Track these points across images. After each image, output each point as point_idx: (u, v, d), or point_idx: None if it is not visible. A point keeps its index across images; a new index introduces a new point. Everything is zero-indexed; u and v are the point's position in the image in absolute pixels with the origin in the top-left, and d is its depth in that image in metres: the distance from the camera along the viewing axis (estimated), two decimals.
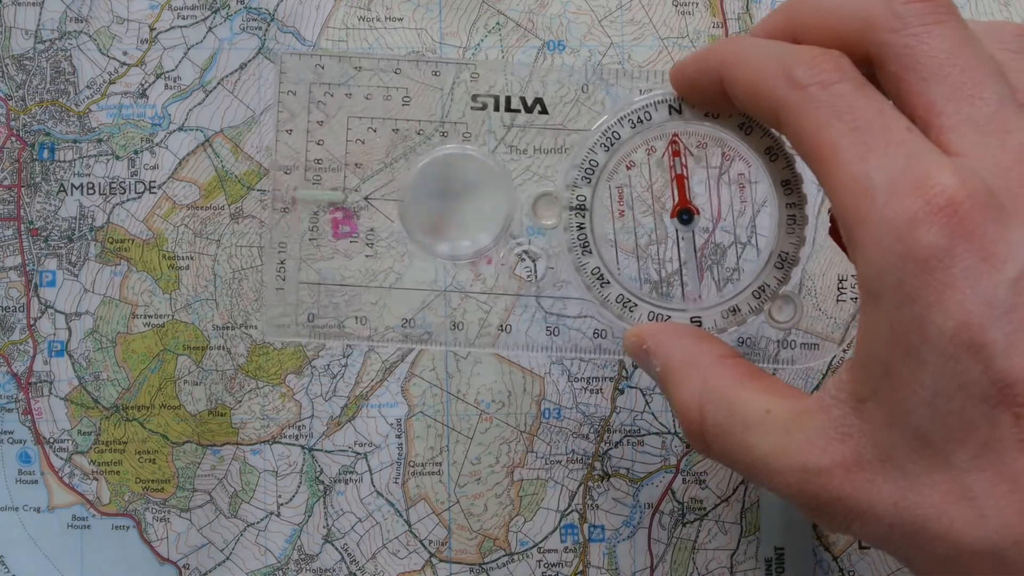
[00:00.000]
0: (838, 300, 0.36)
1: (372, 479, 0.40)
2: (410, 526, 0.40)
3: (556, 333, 0.36)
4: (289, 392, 0.40)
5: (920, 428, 0.24)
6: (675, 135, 0.35)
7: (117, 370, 0.40)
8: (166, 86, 0.41)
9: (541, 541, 0.39)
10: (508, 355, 0.40)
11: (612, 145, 0.34)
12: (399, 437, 0.40)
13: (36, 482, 0.40)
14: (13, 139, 0.41)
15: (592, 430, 0.40)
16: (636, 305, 0.34)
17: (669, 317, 0.34)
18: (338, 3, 0.41)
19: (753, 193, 0.35)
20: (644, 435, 0.40)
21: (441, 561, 0.40)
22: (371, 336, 0.35)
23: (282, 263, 0.35)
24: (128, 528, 0.40)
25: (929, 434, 0.24)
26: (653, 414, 0.40)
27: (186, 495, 0.40)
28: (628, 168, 0.35)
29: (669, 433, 0.40)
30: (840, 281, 0.36)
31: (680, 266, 0.35)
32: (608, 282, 0.34)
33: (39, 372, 0.40)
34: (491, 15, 0.40)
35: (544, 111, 0.35)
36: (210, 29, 0.41)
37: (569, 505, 0.40)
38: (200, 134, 0.41)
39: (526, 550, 0.39)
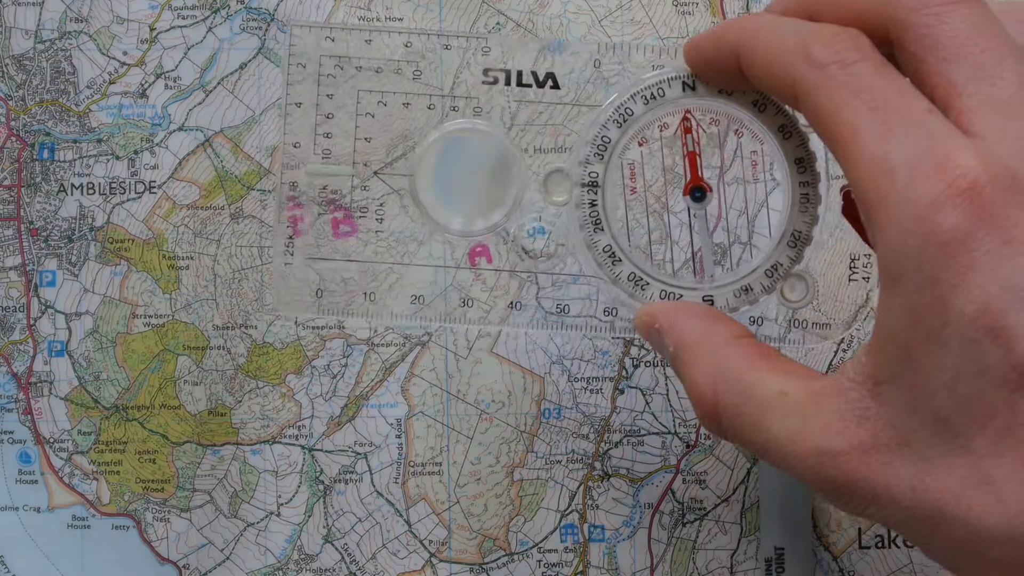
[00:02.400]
0: (850, 280, 0.35)
1: (372, 479, 0.40)
2: (410, 526, 0.40)
3: (566, 312, 0.35)
4: (289, 392, 0.40)
5: (939, 412, 0.24)
6: (688, 112, 0.34)
7: (117, 370, 0.40)
8: (166, 86, 0.41)
9: (541, 541, 0.39)
10: (507, 354, 0.40)
11: (625, 122, 0.34)
12: (399, 437, 0.40)
13: (36, 482, 0.40)
14: (13, 139, 0.41)
15: (592, 430, 0.40)
16: (648, 284, 0.34)
17: (681, 296, 0.33)
18: (338, 3, 0.41)
19: (766, 170, 0.35)
20: (644, 435, 0.40)
21: (441, 561, 0.40)
22: (380, 314, 0.35)
23: (290, 239, 0.35)
24: (128, 528, 0.40)
25: (948, 418, 0.24)
26: (653, 414, 0.40)
27: (186, 495, 0.40)
28: (640, 145, 0.34)
29: (669, 433, 0.40)
30: (852, 260, 0.35)
31: (692, 243, 0.35)
32: (620, 260, 0.34)
33: (39, 372, 0.40)
34: (491, 15, 0.40)
35: (556, 86, 0.35)
36: (210, 29, 0.41)
37: (569, 505, 0.40)
38: (200, 134, 0.41)
39: (526, 550, 0.39)
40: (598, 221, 0.34)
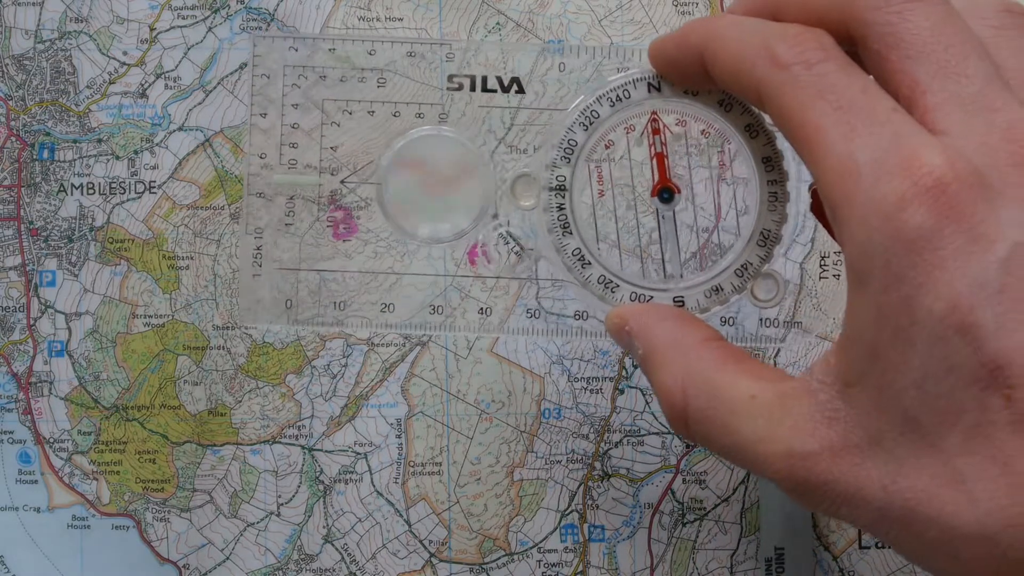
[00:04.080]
0: (820, 277, 0.35)
1: (372, 479, 0.40)
2: (410, 526, 0.40)
3: (537, 316, 0.35)
4: (289, 392, 0.40)
5: (909, 411, 0.24)
6: (654, 113, 0.34)
7: (117, 370, 0.40)
8: (166, 86, 0.41)
9: (541, 541, 0.39)
10: (507, 354, 0.40)
11: (591, 124, 0.34)
12: (399, 437, 0.40)
13: (36, 482, 0.40)
14: (13, 139, 0.41)
15: (592, 430, 0.40)
16: (618, 286, 0.34)
17: (651, 298, 0.33)
18: (338, 3, 0.41)
19: (733, 170, 0.35)
20: (644, 435, 0.40)
21: (441, 561, 0.40)
22: (350, 323, 0.35)
23: (258, 249, 0.35)
24: (128, 528, 0.40)
25: (918, 417, 0.24)
26: (653, 414, 0.40)
27: (186, 495, 0.40)
28: (607, 147, 0.34)
29: (669, 433, 0.40)
30: (822, 258, 0.35)
31: (662, 245, 0.35)
32: (589, 263, 0.34)
33: (39, 372, 0.40)
34: (491, 15, 0.40)
35: (521, 90, 0.35)
36: (210, 29, 0.41)
37: (569, 505, 0.40)
38: (200, 134, 0.41)
39: (526, 550, 0.39)
40: (566, 224, 0.34)
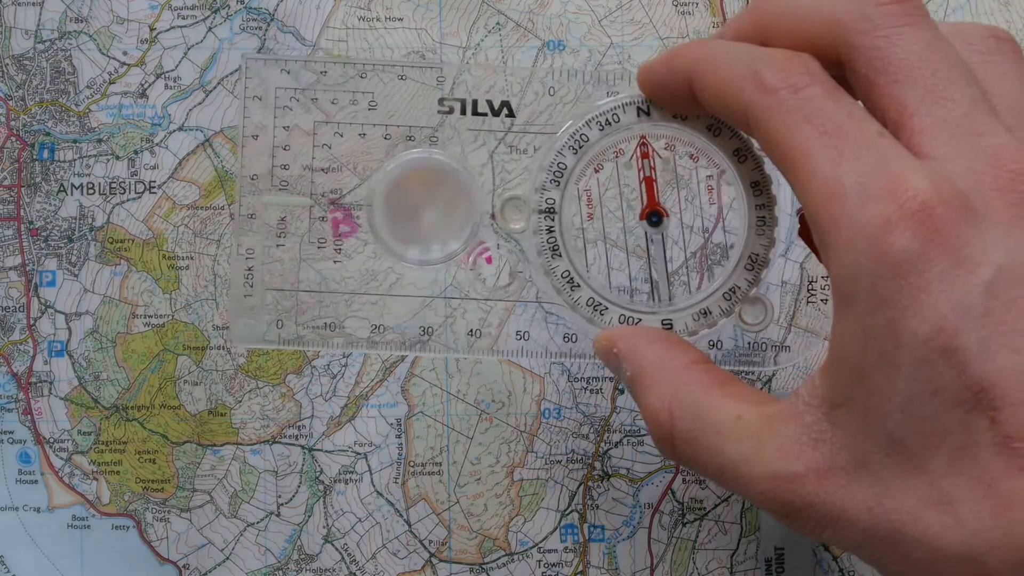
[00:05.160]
0: (808, 302, 0.35)
1: (372, 479, 0.40)
2: (410, 526, 0.40)
3: (526, 338, 0.35)
4: (289, 392, 0.40)
5: (894, 433, 0.24)
6: (643, 137, 0.34)
7: (117, 370, 0.40)
8: (166, 86, 0.41)
9: (541, 541, 0.39)
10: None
11: (580, 148, 0.34)
12: (399, 437, 0.40)
13: (36, 482, 0.40)
14: (13, 139, 0.41)
15: (592, 430, 0.40)
16: (607, 308, 0.34)
17: (640, 320, 0.34)
18: (338, 3, 0.41)
19: (721, 194, 0.35)
20: (644, 435, 0.40)
21: (441, 561, 0.40)
22: (343, 342, 0.35)
23: (249, 270, 0.35)
24: (128, 528, 0.40)
25: (903, 439, 0.24)
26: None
27: (186, 495, 0.40)
28: (596, 171, 0.35)
29: None
30: (810, 282, 0.36)
31: (650, 268, 0.35)
32: (578, 285, 0.34)
33: (39, 372, 0.40)
34: (491, 15, 0.40)
35: (511, 114, 0.35)
36: (210, 29, 0.41)
37: (569, 505, 0.40)
38: (200, 134, 0.41)
39: (526, 550, 0.39)
40: (555, 247, 0.34)
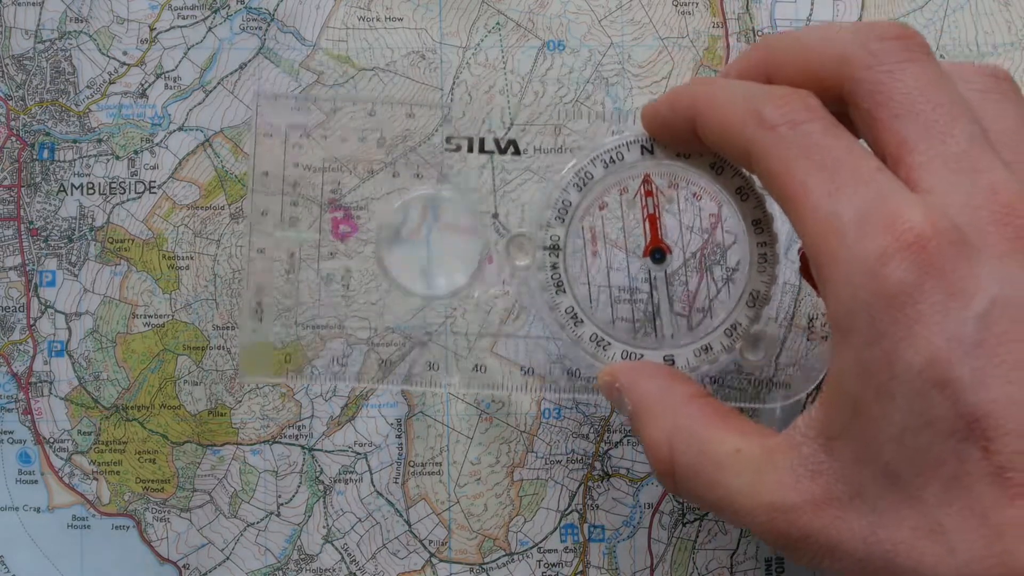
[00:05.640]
0: (808, 339, 0.36)
1: (372, 479, 0.40)
2: (410, 526, 0.40)
3: (531, 373, 0.36)
4: (289, 392, 0.40)
5: (889, 464, 0.24)
6: (647, 175, 0.35)
7: (117, 370, 0.40)
8: (166, 86, 0.41)
9: (541, 541, 0.39)
10: (507, 354, 0.40)
11: (585, 185, 0.34)
12: (399, 437, 0.40)
13: (36, 482, 0.40)
14: (13, 139, 0.41)
15: (592, 430, 0.40)
16: (610, 344, 0.34)
17: (642, 356, 0.34)
18: (338, 3, 0.41)
19: (724, 231, 0.36)
20: None
21: (441, 561, 0.40)
22: (348, 378, 0.36)
23: (259, 304, 0.36)
24: (128, 528, 0.40)
25: (898, 470, 0.24)
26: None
27: (186, 495, 0.40)
28: (601, 209, 0.35)
29: None
30: (810, 320, 0.36)
31: (653, 304, 0.36)
32: (582, 321, 0.35)
33: (39, 372, 0.40)
34: (491, 15, 0.41)
35: (517, 152, 0.36)
36: (210, 29, 0.41)
37: (569, 505, 0.40)
38: (200, 134, 0.41)
39: (526, 550, 0.39)
40: (560, 283, 0.35)
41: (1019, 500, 0.22)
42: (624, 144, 0.34)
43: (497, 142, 0.36)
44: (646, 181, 0.35)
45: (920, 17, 0.40)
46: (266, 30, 0.41)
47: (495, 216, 0.39)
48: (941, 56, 0.40)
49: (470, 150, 0.35)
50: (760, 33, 0.40)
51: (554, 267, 0.35)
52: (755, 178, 0.33)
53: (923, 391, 0.23)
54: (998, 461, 0.23)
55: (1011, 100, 0.28)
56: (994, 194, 0.25)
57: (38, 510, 0.40)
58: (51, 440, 0.40)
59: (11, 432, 0.40)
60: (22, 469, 0.40)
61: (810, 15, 0.40)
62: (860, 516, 0.25)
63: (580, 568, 0.39)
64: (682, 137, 0.32)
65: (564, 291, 0.35)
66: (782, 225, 0.34)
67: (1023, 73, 0.40)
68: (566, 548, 0.39)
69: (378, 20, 0.41)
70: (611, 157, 0.34)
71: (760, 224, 0.34)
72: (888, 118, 0.27)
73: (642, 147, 0.34)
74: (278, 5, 0.41)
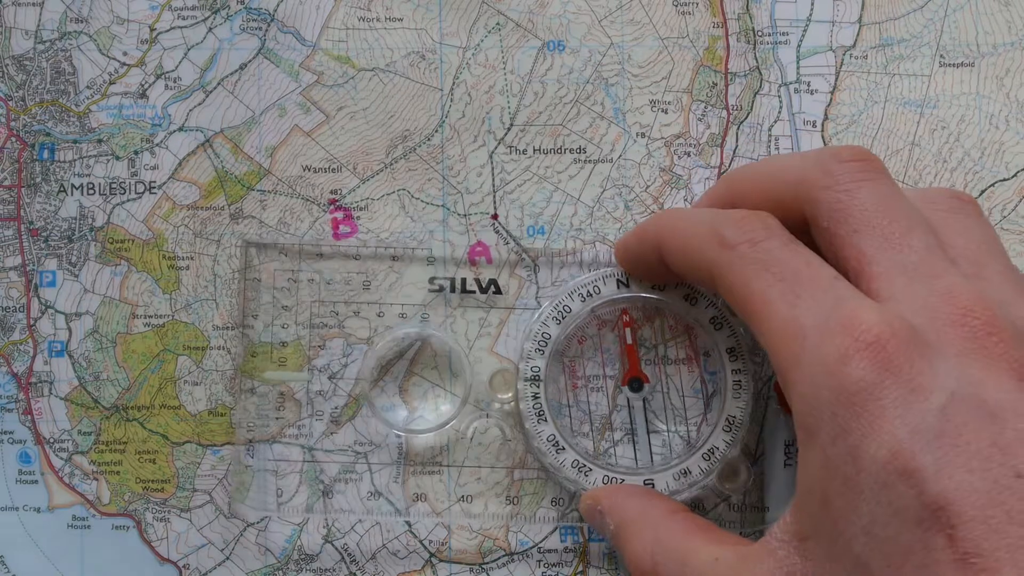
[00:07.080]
0: (785, 465, 0.37)
1: (372, 479, 0.40)
2: (410, 526, 0.40)
3: (516, 503, 0.38)
4: (289, 392, 0.40)
5: (860, 557, 0.25)
6: (624, 308, 0.37)
7: (117, 370, 0.40)
8: (166, 86, 0.41)
9: (541, 541, 0.39)
10: (507, 353, 0.40)
11: (564, 318, 0.36)
12: (399, 437, 0.40)
13: (36, 482, 0.40)
14: (13, 139, 0.41)
15: (592, 429, 0.40)
16: (591, 470, 0.36)
17: (623, 480, 0.36)
18: (338, 3, 0.41)
19: (700, 360, 0.37)
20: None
21: (441, 561, 0.40)
22: (336, 506, 0.38)
23: (251, 442, 0.38)
24: (128, 528, 0.40)
25: (869, 562, 0.25)
26: (654, 412, 0.40)
27: (186, 495, 0.40)
28: (580, 343, 0.37)
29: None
30: (787, 446, 0.37)
31: (632, 430, 0.37)
32: (563, 448, 0.36)
33: (39, 372, 0.40)
34: (491, 15, 0.41)
35: (498, 291, 0.38)
36: (210, 29, 0.41)
37: (569, 505, 0.40)
38: (200, 134, 0.41)
39: (526, 550, 0.39)
40: (541, 412, 0.36)
41: None
42: (600, 278, 0.36)
43: (479, 282, 0.37)
44: (624, 313, 0.37)
45: (920, 17, 0.40)
46: (266, 30, 0.41)
47: (495, 217, 0.39)
48: (941, 57, 0.40)
49: (452, 290, 0.37)
50: (760, 33, 0.40)
51: (535, 397, 0.36)
52: (727, 304, 0.34)
53: (888, 482, 0.24)
54: (963, 548, 0.23)
55: (974, 219, 0.30)
56: (951, 297, 0.26)
57: (38, 510, 0.40)
58: (51, 440, 0.40)
59: (11, 432, 0.40)
60: (22, 469, 0.40)
61: (810, 15, 0.40)
62: None
63: (580, 568, 0.39)
64: (652, 268, 0.34)
65: (545, 420, 0.36)
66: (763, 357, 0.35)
67: (1023, 73, 0.40)
68: (566, 548, 0.39)
69: (378, 20, 0.41)
70: (588, 291, 0.36)
71: (734, 352, 0.35)
72: (847, 234, 0.28)
73: (618, 281, 0.36)
74: (278, 5, 0.41)
